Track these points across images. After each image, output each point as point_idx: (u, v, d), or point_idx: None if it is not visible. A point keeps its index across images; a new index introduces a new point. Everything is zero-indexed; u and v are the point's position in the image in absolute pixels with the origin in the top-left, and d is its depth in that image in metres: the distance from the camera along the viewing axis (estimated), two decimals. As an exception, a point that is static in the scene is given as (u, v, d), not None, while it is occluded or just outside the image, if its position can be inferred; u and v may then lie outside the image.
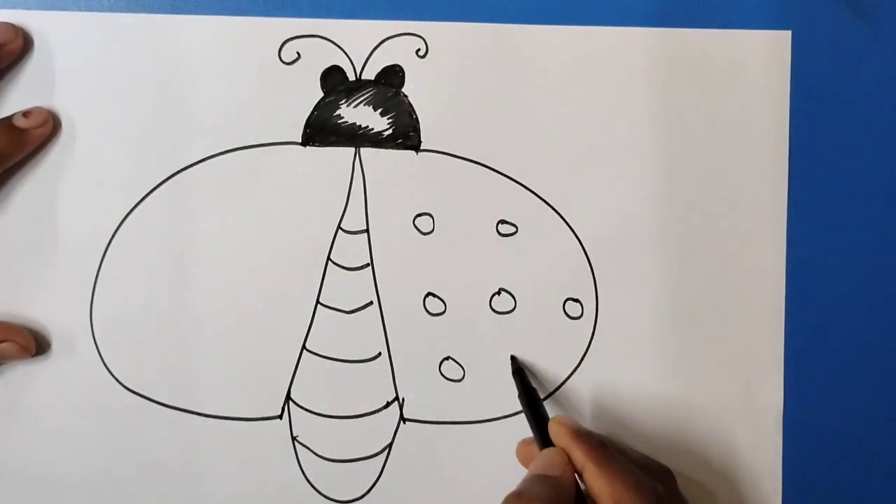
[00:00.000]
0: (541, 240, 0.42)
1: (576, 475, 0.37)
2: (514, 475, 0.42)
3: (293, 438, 0.42)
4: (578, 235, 0.42)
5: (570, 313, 0.42)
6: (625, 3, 0.41)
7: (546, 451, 0.38)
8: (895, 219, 0.42)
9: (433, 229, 0.42)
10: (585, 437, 0.38)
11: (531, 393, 0.41)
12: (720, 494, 0.43)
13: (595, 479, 0.36)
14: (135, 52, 0.41)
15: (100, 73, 0.41)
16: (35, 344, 0.41)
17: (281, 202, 0.42)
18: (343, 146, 0.42)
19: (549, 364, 0.42)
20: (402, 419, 0.42)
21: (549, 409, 0.41)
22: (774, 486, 0.43)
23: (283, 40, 0.41)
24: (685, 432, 0.43)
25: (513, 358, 0.42)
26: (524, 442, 0.42)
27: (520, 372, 0.42)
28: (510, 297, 0.42)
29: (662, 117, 0.42)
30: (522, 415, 0.42)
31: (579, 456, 0.37)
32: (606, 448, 0.38)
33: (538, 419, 0.40)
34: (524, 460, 0.41)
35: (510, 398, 0.42)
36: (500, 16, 0.41)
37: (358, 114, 0.42)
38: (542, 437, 0.39)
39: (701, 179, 0.42)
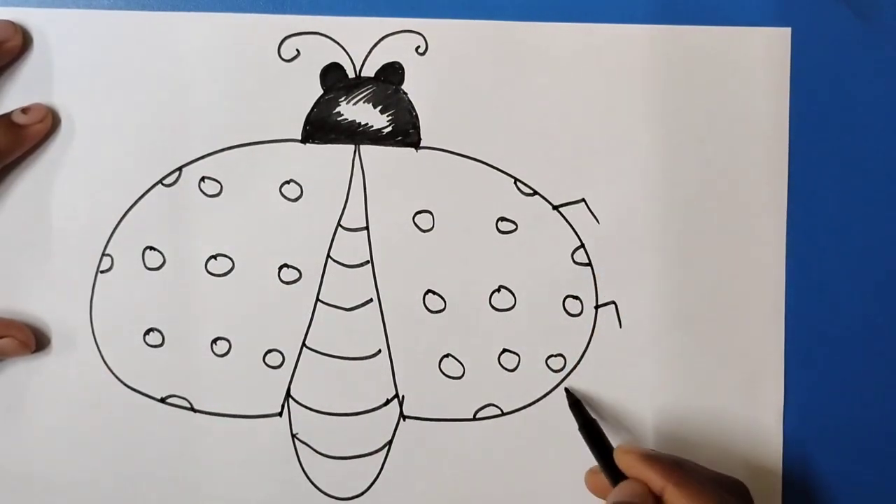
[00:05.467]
0: (540, 237, 0.42)
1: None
2: (514, 473, 0.42)
3: (293, 436, 0.42)
4: (578, 232, 0.42)
5: (569, 310, 0.42)
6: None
7: (625, 483, 0.38)
8: (895, 218, 0.42)
9: (433, 226, 0.42)
10: (658, 460, 0.38)
11: (592, 424, 0.41)
12: (720, 493, 0.43)
13: (677, 500, 0.36)
14: (134, 50, 0.41)
15: (99, 70, 0.41)
16: (35, 340, 0.41)
17: (280, 199, 0.42)
18: (343, 143, 0.42)
19: (548, 362, 0.42)
20: (402, 416, 0.42)
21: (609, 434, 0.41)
22: (774, 486, 0.42)
23: (282, 37, 0.41)
24: (685, 431, 0.42)
25: (567, 391, 0.42)
26: (591, 472, 0.41)
27: (577, 404, 0.41)
28: (510, 295, 0.42)
29: (662, 114, 0.42)
30: (522, 413, 0.42)
31: (656, 479, 0.37)
32: (682, 467, 0.37)
33: (602, 450, 0.40)
34: (594, 489, 0.41)
35: (510, 397, 0.42)
36: (499, 13, 0.41)
37: (358, 111, 0.42)
38: (610, 467, 0.39)
39: (701, 177, 0.42)
